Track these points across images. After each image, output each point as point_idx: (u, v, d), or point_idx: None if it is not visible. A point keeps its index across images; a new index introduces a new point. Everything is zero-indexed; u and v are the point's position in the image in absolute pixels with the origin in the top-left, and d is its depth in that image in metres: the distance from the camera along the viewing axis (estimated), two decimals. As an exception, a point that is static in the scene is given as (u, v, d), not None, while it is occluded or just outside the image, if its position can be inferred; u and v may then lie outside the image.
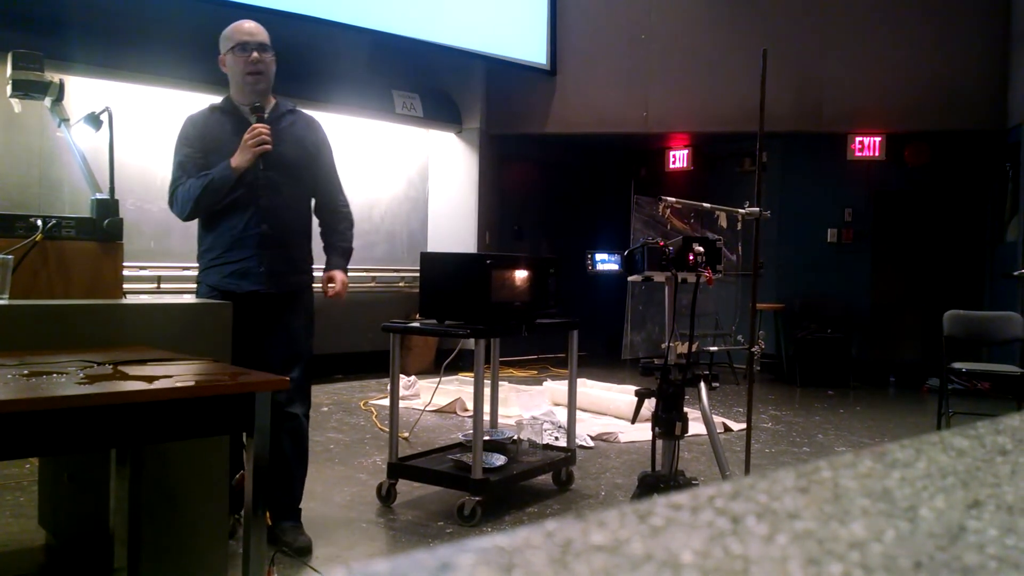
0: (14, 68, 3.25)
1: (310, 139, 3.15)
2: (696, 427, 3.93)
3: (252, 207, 2.95)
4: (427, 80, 8.11)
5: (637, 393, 3.18)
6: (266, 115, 3.01)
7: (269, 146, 2.90)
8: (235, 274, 2.96)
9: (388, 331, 3.65)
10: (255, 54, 2.99)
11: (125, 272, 3.14)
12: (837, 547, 0.37)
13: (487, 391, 3.93)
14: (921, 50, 7.63)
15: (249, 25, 3.05)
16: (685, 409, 3.14)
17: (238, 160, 2.89)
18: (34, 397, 1.55)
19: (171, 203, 2.99)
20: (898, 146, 8.10)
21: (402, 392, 5.41)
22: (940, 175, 8.17)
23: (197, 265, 3.07)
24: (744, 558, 0.35)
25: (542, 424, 4.54)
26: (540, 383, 6.59)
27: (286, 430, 3.06)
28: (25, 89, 3.26)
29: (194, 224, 3.09)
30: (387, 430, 4.15)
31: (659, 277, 3.12)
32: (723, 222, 3.47)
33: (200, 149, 2.97)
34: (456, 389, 6.04)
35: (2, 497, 3.49)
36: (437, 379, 4.67)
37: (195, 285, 3.09)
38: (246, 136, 2.89)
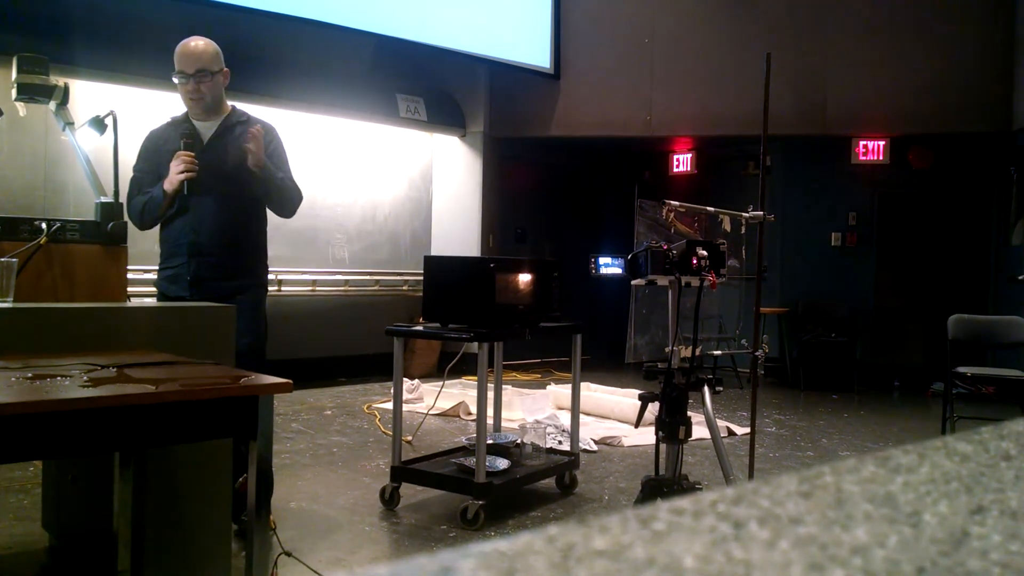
0: (19, 72, 3.25)
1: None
2: (700, 431, 3.92)
3: (186, 216, 3.18)
4: (431, 83, 8.12)
5: (640, 397, 3.18)
6: (211, 132, 3.24)
7: (192, 174, 3.11)
8: (168, 279, 3.21)
9: (391, 334, 3.65)
10: (191, 84, 3.18)
11: (129, 275, 3.15)
12: (840, 552, 0.37)
13: (490, 394, 3.93)
14: (925, 53, 7.62)
15: (191, 48, 3.21)
16: (689, 413, 3.13)
17: (167, 183, 3.13)
18: (38, 400, 1.55)
19: (127, 215, 3.21)
20: (902, 149, 8.09)
21: (405, 395, 5.41)
22: (944, 178, 8.16)
23: None
24: (746, 563, 0.35)
25: (545, 428, 4.54)
26: (543, 387, 6.58)
27: None
28: (30, 93, 3.27)
29: None
30: (390, 433, 4.15)
31: (663, 281, 3.12)
32: (727, 226, 3.46)
33: (154, 164, 3.21)
34: (459, 392, 6.03)
35: (6, 499, 3.49)
36: (440, 382, 4.67)
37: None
38: (172, 163, 3.13)
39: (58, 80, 3.37)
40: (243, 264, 3.29)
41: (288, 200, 3.36)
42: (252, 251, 3.33)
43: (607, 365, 8.12)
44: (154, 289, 3.37)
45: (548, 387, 6.44)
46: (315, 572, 2.82)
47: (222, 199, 3.20)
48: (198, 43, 3.23)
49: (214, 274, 3.21)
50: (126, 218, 3.18)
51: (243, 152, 3.15)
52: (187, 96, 3.22)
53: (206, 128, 3.27)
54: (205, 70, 3.20)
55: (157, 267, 3.30)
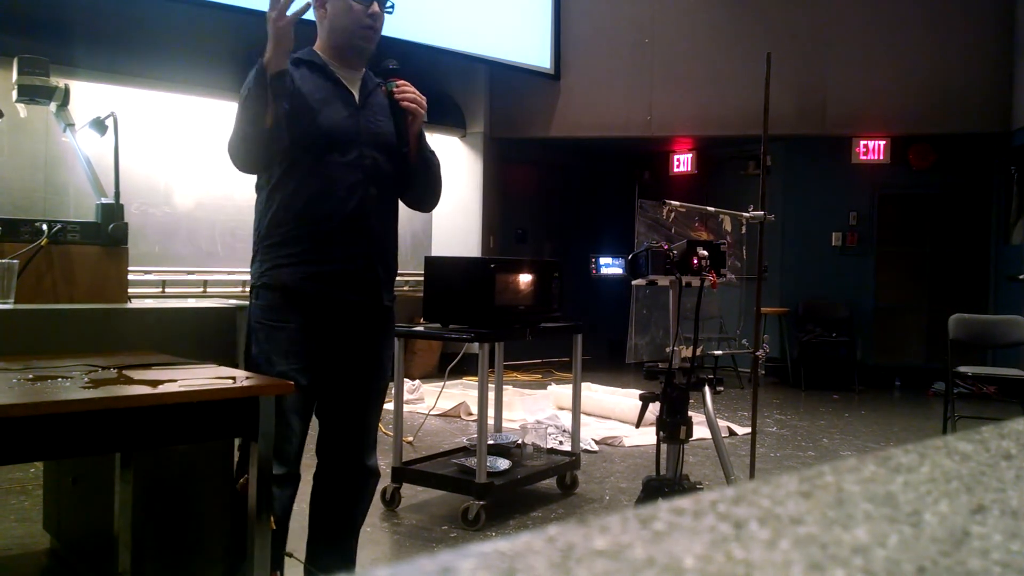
0: (20, 73, 3.25)
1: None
2: (700, 431, 3.92)
3: (357, 196, 2.30)
4: (431, 84, 8.09)
5: (641, 397, 3.18)
6: (357, 90, 2.40)
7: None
8: (328, 279, 2.30)
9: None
10: (376, 6, 2.37)
11: (130, 276, 3.14)
12: (840, 552, 0.36)
13: (491, 395, 3.93)
14: (925, 53, 7.63)
15: None
16: (689, 413, 3.14)
17: (269, 54, 2.13)
18: (39, 401, 1.55)
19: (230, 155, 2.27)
20: (902, 149, 8.09)
21: (406, 396, 5.41)
22: (945, 178, 8.16)
23: (255, 261, 2.36)
24: (746, 563, 0.35)
25: (546, 428, 4.54)
26: (544, 387, 6.59)
27: (365, 489, 2.52)
28: (31, 94, 3.26)
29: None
30: (391, 434, 4.15)
31: (663, 281, 3.12)
32: (727, 226, 3.46)
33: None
34: (460, 393, 6.04)
35: (7, 501, 3.49)
36: (441, 383, 4.67)
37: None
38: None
39: (58, 81, 3.37)
40: (397, 267, 2.58)
41: (438, 184, 2.52)
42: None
43: (608, 365, 8.12)
44: (158, 290, 3.15)
45: (549, 387, 6.44)
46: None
47: (388, 179, 2.38)
48: None
49: (388, 277, 2.47)
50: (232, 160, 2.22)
51: (402, 116, 2.35)
52: (360, 27, 2.35)
53: (349, 83, 2.40)
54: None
55: (270, 257, 2.30)
